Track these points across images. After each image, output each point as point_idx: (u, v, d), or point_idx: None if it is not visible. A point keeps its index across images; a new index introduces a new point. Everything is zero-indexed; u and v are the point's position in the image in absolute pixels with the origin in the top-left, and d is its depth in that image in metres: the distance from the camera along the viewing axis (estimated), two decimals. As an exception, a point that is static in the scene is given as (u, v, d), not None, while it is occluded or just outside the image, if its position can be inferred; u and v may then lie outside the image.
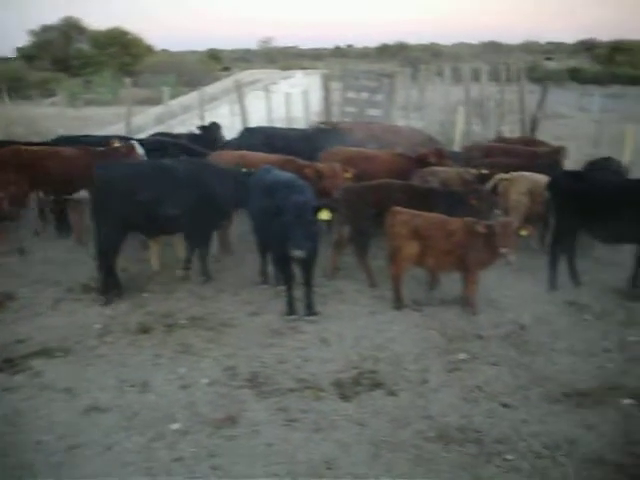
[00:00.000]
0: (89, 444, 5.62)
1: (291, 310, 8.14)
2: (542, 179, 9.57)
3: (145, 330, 7.81)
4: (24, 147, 11.31)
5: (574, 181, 8.97)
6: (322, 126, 14.36)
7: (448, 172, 10.38)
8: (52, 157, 10.94)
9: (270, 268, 9.13)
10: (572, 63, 65.24)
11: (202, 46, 72.89)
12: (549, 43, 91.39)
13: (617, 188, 8.91)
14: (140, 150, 11.18)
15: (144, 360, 7.10)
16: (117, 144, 11.41)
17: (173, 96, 22.85)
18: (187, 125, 18.43)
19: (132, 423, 5.92)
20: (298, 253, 7.40)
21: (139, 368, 6.92)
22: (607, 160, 11.46)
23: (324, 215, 7.70)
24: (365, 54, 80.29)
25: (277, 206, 7.61)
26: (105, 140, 12.09)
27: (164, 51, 66.34)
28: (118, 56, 53.34)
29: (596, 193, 8.69)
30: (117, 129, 18.49)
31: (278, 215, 7.58)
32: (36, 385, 6.56)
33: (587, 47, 77.22)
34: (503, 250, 7.86)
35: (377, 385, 6.51)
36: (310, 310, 8.15)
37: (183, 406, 6.19)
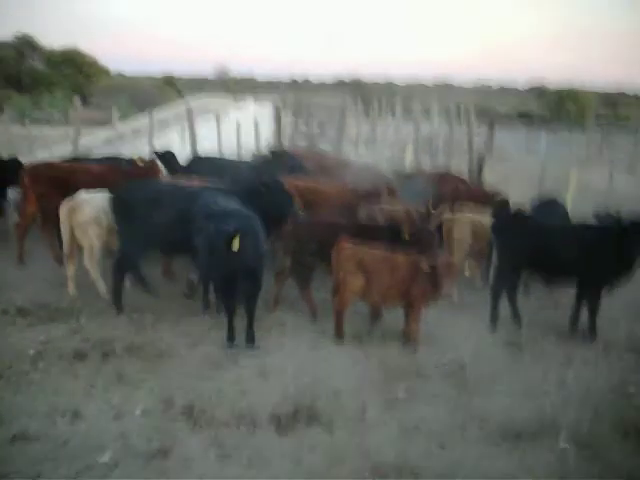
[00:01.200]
0: (13, 475, 5.42)
1: (231, 336, 8.03)
2: (485, 219, 9.68)
3: (80, 357, 7.59)
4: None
5: (517, 222, 9.09)
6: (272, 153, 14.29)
7: (396, 209, 10.41)
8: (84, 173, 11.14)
9: (212, 298, 9.00)
10: (522, 107, 66.77)
11: (158, 72, 72.51)
12: (500, 87, 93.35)
13: (559, 231, 9.05)
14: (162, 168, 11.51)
15: (77, 388, 6.88)
16: (141, 163, 11.53)
17: (123, 118, 22.63)
18: (137, 148, 18.26)
19: (60, 453, 5.73)
20: (191, 276, 7.26)
21: (72, 396, 6.70)
22: (552, 201, 11.71)
23: (234, 245, 7.50)
24: (321, 89, 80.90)
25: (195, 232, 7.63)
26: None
27: (120, 74, 65.91)
28: (72, 76, 52.70)
29: (538, 235, 8.82)
30: (64, 150, 18.21)
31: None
32: (-39, 412, 6.29)
33: (537, 93, 79.07)
34: (444, 289, 7.94)
35: (314, 420, 6.42)
36: (250, 342, 8.05)
37: (114, 437, 6.01)
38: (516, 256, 8.85)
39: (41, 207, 10.81)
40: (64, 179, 10.84)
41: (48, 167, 11.31)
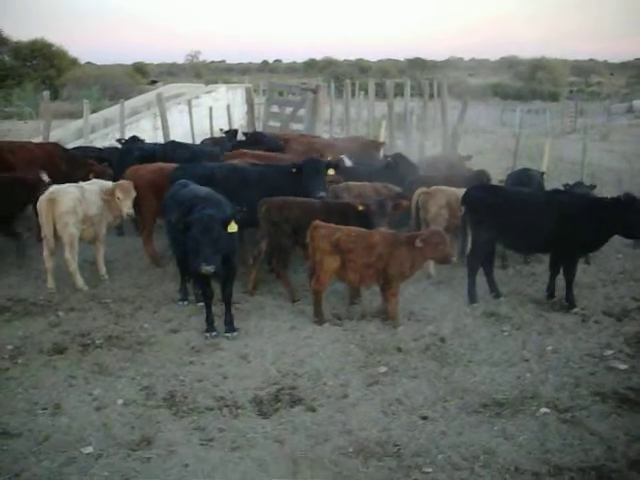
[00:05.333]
0: (-4, 471, 5.38)
1: (210, 327, 7.99)
2: (461, 193, 9.70)
3: (60, 350, 7.53)
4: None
5: (487, 194, 9.12)
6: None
7: (363, 187, 10.40)
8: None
9: (190, 284, 8.98)
10: (495, 79, 66.89)
11: (129, 59, 71.89)
12: (472, 60, 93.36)
13: (529, 200, 9.10)
14: None
15: (58, 381, 6.83)
16: None
17: (95, 109, 22.40)
18: (109, 139, 18.14)
19: (43, 448, 5.67)
20: (208, 268, 7.26)
21: (52, 390, 6.65)
22: (527, 171, 11.83)
23: (231, 228, 7.56)
24: (293, 69, 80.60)
25: (185, 222, 7.50)
26: None
27: (89, 64, 65.13)
28: (41, 68, 52.04)
29: (508, 205, 8.88)
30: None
31: (187, 231, 7.46)
32: (-61, 411, 6.23)
33: (509, 64, 79.16)
34: (451, 257, 8.11)
35: (296, 401, 6.44)
36: (230, 327, 8.02)
37: (97, 428, 5.97)
38: (490, 228, 8.87)
39: None
40: None
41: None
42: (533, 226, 8.76)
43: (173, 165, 10.86)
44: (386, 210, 8.89)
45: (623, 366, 7.22)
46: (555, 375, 7.02)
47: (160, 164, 11.24)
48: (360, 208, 8.80)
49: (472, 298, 9.04)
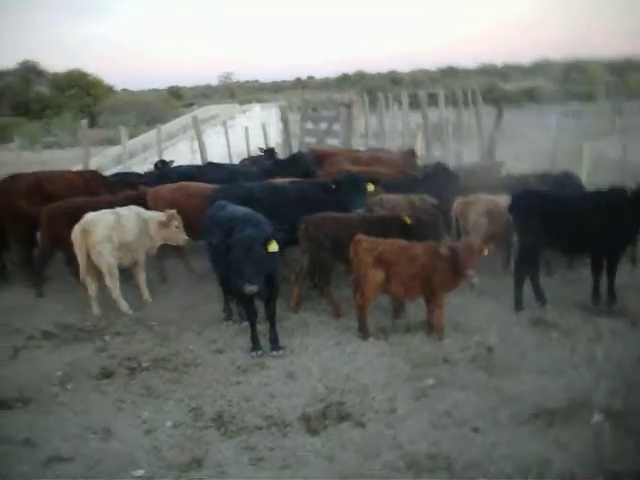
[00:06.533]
0: (50, 497, 5.44)
1: (256, 346, 8.00)
2: (501, 200, 9.61)
3: (107, 375, 7.62)
4: None
5: (534, 200, 9.01)
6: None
7: (397, 199, 10.36)
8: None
9: (234, 303, 9.01)
10: (529, 83, 66.21)
11: (163, 84, 72.89)
12: (505, 65, 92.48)
13: (575, 203, 9.00)
14: None
15: (107, 406, 6.91)
16: None
17: (132, 135, 22.72)
18: (148, 164, 18.38)
19: (94, 472, 5.72)
20: (251, 288, 7.32)
21: (101, 414, 6.72)
22: (566, 175, 11.69)
23: (272, 247, 7.61)
24: (326, 85, 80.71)
25: (226, 243, 7.56)
26: None
27: (124, 91, 66.20)
28: (78, 98, 53.06)
29: (556, 210, 8.77)
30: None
31: (228, 251, 7.51)
32: (-7, 439, 6.31)
33: (542, 67, 78.43)
34: (468, 272, 7.85)
35: (345, 417, 6.40)
36: (275, 345, 8.02)
37: (147, 451, 6.02)
38: (536, 234, 8.76)
39: None
40: None
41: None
42: (581, 228, 8.69)
43: (197, 184, 11.16)
44: (436, 222, 8.91)
45: (676, 368, 7.06)
46: (606, 381, 6.87)
47: (182, 183, 11.41)
48: (408, 221, 8.78)
49: (518, 305, 8.91)
